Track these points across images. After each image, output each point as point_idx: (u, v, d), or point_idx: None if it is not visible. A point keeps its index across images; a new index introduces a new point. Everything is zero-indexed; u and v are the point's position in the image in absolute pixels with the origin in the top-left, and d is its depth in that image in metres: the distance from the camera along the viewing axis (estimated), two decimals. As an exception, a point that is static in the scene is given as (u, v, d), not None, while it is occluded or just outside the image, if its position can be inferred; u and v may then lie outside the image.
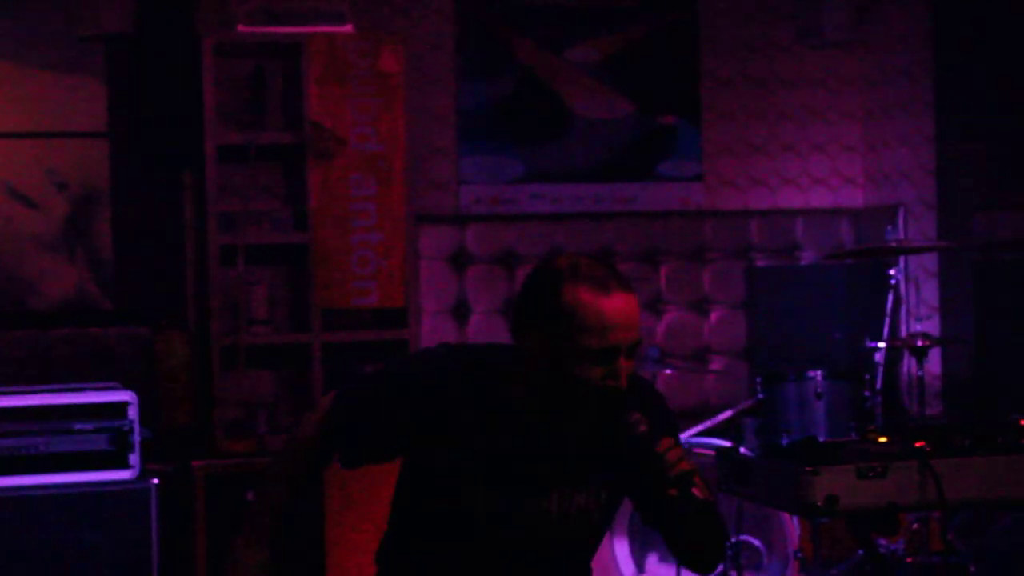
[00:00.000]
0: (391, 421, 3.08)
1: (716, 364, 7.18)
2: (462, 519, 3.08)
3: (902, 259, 6.93)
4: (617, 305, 2.91)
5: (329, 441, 3.19)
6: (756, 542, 5.78)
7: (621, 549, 5.81)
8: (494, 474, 3.05)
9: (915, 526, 6.02)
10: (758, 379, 6.04)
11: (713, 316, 7.16)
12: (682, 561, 3.22)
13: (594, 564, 3.32)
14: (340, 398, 3.21)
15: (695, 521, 3.03)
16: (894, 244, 6.17)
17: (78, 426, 5.20)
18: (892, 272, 6.38)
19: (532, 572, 3.15)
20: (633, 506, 3.24)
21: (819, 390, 5.89)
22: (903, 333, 6.85)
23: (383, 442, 3.13)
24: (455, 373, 3.06)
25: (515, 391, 3.04)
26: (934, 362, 7.12)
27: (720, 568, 5.69)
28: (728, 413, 5.98)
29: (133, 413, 5.25)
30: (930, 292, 7.17)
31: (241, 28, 6.28)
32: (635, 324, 2.95)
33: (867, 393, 6.00)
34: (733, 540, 5.64)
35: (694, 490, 2.88)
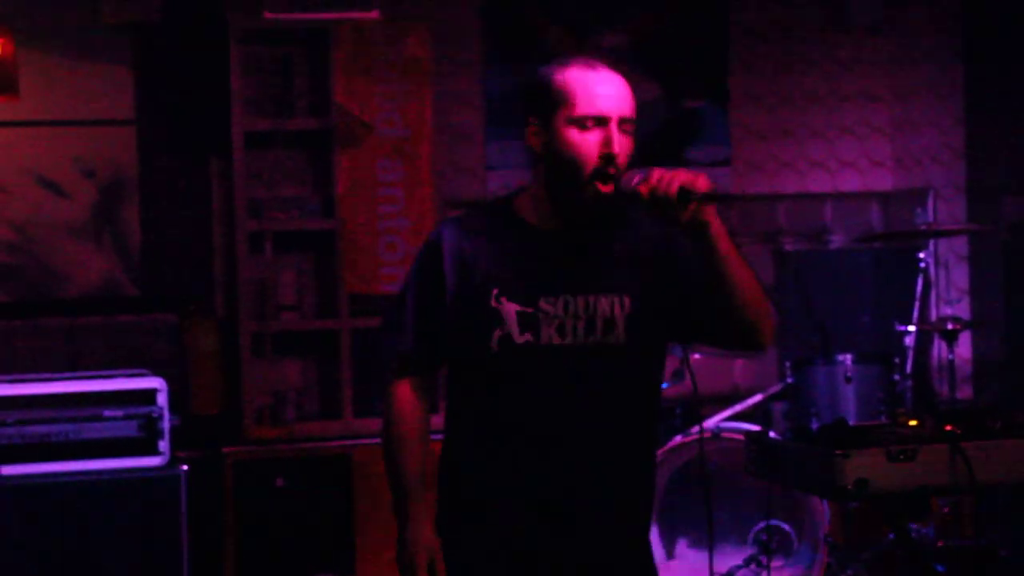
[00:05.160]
0: (432, 296, 3.19)
1: (745, 349, 7.14)
2: (500, 355, 3.13)
3: (932, 242, 6.89)
4: (605, 77, 3.16)
5: (409, 363, 3.27)
6: (786, 527, 5.77)
7: (651, 535, 5.79)
8: (514, 287, 3.13)
9: (946, 510, 6.00)
10: (787, 363, 6.03)
11: (742, 300, 7.14)
12: (734, 340, 3.18)
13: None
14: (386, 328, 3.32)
15: (722, 265, 3.04)
16: (923, 227, 6.14)
17: (108, 413, 5.23)
18: (922, 255, 6.35)
19: (586, 427, 3.16)
20: (668, 328, 3.21)
21: (849, 374, 5.87)
22: (933, 316, 6.83)
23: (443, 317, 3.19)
24: (449, 222, 3.26)
25: (520, 207, 3.21)
26: (964, 345, 7.09)
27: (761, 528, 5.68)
28: (758, 397, 5.96)
29: (162, 400, 5.27)
30: (960, 275, 7.14)
31: (267, 15, 6.27)
32: (626, 99, 3.16)
33: (897, 377, 5.98)
34: (763, 525, 5.63)
35: (700, 193, 2.98)
